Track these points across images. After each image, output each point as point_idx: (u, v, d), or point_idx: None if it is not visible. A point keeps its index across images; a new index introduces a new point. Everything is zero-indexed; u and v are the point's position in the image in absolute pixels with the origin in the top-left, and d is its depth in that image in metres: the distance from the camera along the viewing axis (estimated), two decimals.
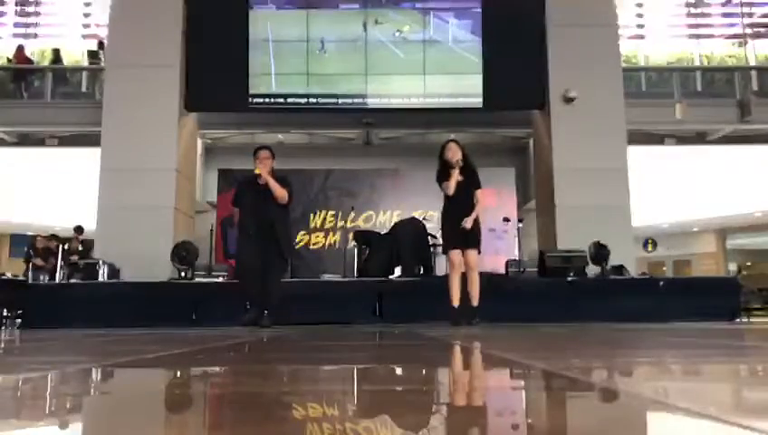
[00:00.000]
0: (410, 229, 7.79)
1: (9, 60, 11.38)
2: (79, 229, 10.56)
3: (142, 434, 0.96)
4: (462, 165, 5.24)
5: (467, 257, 5.15)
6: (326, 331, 4.58)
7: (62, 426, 1.08)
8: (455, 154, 5.26)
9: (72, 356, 2.76)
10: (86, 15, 12.33)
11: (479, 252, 5.24)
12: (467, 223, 5.11)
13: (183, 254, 7.43)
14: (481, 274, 5.34)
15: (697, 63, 11.97)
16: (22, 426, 1.06)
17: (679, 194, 14.27)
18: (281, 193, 5.37)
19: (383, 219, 10.62)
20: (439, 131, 11.45)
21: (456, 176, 5.19)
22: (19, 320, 7.05)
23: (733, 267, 18.96)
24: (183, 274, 7.33)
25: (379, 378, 1.79)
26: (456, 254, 5.17)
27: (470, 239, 5.16)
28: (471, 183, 5.26)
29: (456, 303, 5.12)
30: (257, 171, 5.39)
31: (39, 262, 9.62)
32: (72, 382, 1.70)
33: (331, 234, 10.79)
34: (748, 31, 12.15)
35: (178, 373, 1.98)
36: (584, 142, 8.99)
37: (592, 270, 7.41)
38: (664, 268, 20.24)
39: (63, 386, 1.63)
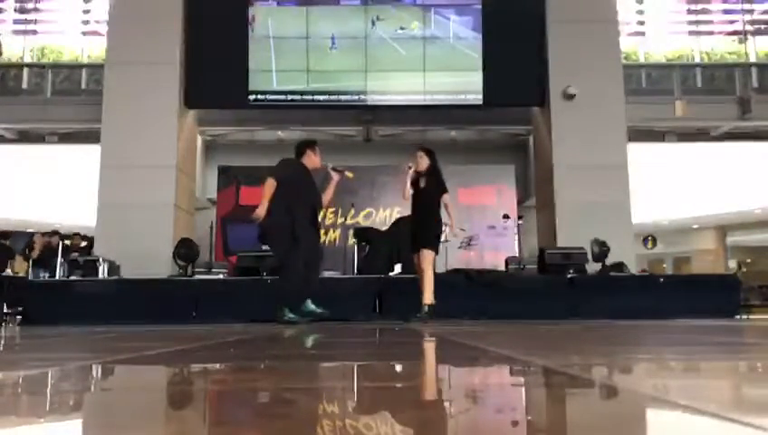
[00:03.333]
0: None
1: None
2: (79, 235, 10.51)
3: (143, 431, 0.96)
4: (425, 171, 5.55)
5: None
6: (325, 328, 4.59)
7: (63, 423, 1.08)
8: (415, 161, 5.61)
9: (72, 353, 2.76)
10: (86, 12, 12.29)
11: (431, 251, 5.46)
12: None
13: (183, 251, 7.44)
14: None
15: (697, 60, 11.96)
16: (23, 423, 1.06)
17: (679, 191, 14.27)
18: (330, 199, 5.52)
19: (383, 216, 10.62)
20: (439, 128, 11.45)
21: (406, 183, 5.64)
22: (19, 317, 7.05)
23: (732, 264, 18.98)
24: (183, 270, 7.33)
25: (378, 374, 1.79)
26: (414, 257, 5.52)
27: (420, 240, 5.49)
28: (429, 189, 5.55)
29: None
30: (349, 174, 5.50)
31: (34, 254, 9.39)
32: (73, 379, 1.70)
33: (331, 231, 10.79)
34: (748, 27, 12.13)
35: (180, 370, 1.98)
36: (584, 139, 8.99)
37: (592, 267, 7.41)
38: (664, 265, 20.25)
39: (64, 383, 1.63)
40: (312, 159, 5.41)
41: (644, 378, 1.62)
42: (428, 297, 5.24)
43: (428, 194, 5.48)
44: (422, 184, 5.53)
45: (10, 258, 9.42)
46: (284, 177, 5.15)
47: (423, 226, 5.46)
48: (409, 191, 5.56)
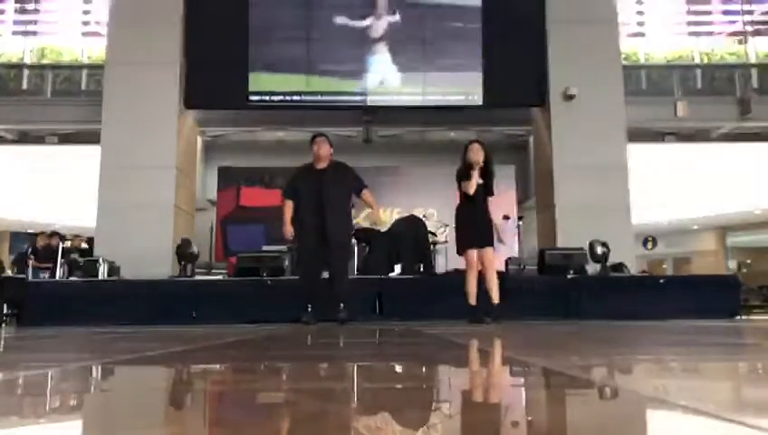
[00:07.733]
0: (410, 227, 7.78)
1: None
2: (80, 237, 10.49)
3: (142, 431, 0.96)
4: (482, 167, 5.17)
5: (484, 255, 5.11)
6: (326, 328, 4.58)
7: (62, 423, 1.08)
8: (476, 155, 5.19)
9: (72, 353, 2.76)
10: (86, 12, 12.28)
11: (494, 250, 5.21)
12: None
13: (183, 251, 7.45)
14: (499, 273, 5.28)
15: (698, 61, 11.95)
16: (22, 423, 1.06)
17: (679, 192, 14.26)
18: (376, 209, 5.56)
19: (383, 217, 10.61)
20: (439, 129, 11.45)
21: (475, 177, 5.14)
22: (15, 317, 7.03)
23: (733, 265, 19.00)
24: (183, 271, 7.33)
25: (379, 375, 1.79)
26: (471, 253, 5.14)
27: (485, 238, 5.14)
28: (487, 189, 5.23)
29: (473, 301, 5.07)
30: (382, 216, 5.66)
31: (34, 262, 9.26)
32: (73, 380, 1.70)
33: None
34: (748, 28, 12.12)
35: (179, 371, 1.98)
36: (584, 140, 8.98)
37: (592, 268, 7.40)
38: (664, 266, 20.26)
39: (64, 383, 1.63)
40: (315, 157, 5.39)
41: (644, 379, 1.62)
42: (497, 296, 5.04)
43: (484, 192, 5.20)
44: (479, 180, 5.19)
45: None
46: (293, 192, 5.32)
47: (483, 224, 5.17)
48: (474, 185, 5.19)
